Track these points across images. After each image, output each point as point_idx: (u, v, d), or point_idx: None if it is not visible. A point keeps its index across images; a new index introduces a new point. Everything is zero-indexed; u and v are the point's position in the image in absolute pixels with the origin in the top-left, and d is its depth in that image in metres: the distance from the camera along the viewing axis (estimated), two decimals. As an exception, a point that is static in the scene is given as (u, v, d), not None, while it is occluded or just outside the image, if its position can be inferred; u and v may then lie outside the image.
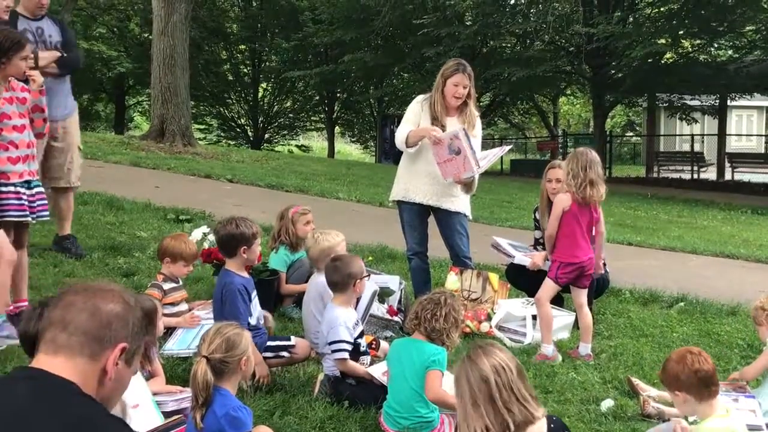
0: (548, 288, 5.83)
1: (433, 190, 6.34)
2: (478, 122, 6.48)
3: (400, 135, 6.34)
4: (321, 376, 4.78)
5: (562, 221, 5.73)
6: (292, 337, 5.12)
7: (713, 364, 3.86)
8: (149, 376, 4.27)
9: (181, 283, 5.75)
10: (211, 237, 6.51)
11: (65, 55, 7.00)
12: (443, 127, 6.22)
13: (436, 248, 6.80)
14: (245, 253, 4.87)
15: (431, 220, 6.59)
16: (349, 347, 4.72)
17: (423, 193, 6.36)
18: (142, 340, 2.34)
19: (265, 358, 4.89)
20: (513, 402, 3.07)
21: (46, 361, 2.18)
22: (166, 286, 5.57)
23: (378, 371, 4.64)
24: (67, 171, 7.22)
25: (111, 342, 2.23)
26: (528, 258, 6.61)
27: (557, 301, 6.61)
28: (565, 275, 5.77)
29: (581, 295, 5.87)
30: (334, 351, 4.71)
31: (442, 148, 6.03)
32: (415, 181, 6.39)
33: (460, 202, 6.41)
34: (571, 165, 5.66)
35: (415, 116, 6.39)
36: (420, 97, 6.52)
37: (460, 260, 6.53)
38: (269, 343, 4.94)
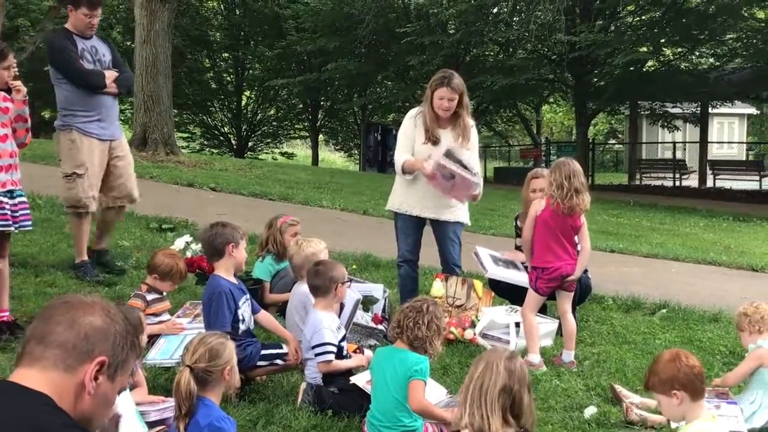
0: (531, 299, 5.84)
1: (430, 204, 6.38)
2: (474, 133, 6.46)
3: (397, 164, 6.38)
4: (304, 385, 4.77)
5: (536, 227, 5.76)
6: (289, 343, 5.08)
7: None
8: (132, 387, 4.25)
9: (165, 294, 5.72)
10: (194, 246, 6.49)
11: (120, 75, 6.98)
12: (437, 140, 6.24)
13: (426, 256, 6.81)
14: (233, 252, 4.84)
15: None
16: (334, 349, 4.72)
17: (420, 207, 6.41)
18: (127, 354, 2.26)
19: (258, 366, 4.87)
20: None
21: (20, 373, 2.14)
22: (150, 296, 5.55)
23: (362, 380, 4.63)
24: (131, 188, 7.22)
25: (89, 355, 2.16)
26: (506, 272, 6.58)
27: (540, 308, 6.63)
28: (544, 284, 5.77)
29: (566, 302, 5.88)
30: (318, 354, 4.69)
31: (438, 180, 6.05)
32: (411, 196, 6.43)
33: (458, 212, 6.44)
34: (554, 175, 5.68)
35: (408, 139, 6.40)
36: (413, 111, 6.51)
37: (449, 267, 6.56)
38: (263, 352, 4.91)
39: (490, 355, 3.53)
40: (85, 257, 7.01)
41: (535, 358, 5.67)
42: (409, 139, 6.39)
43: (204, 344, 3.57)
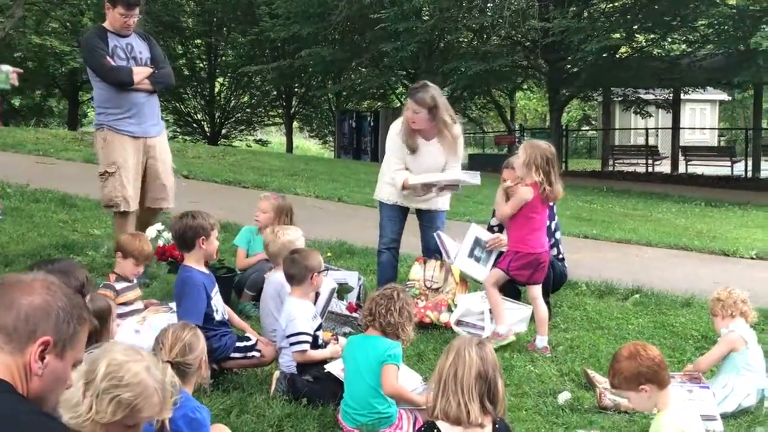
0: (495, 273, 5.87)
1: (412, 198, 6.47)
2: (459, 144, 6.43)
3: (396, 183, 6.38)
4: (277, 374, 4.75)
5: (521, 211, 5.72)
6: (259, 342, 5.04)
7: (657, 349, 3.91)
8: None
9: (135, 282, 5.65)
10: (166, 234, 6.43)
11: (156, 71, 6.90)
12: (415, 150, 6.28)
13: (405, 245, 6.82)
14: (204, 245, 4.80)
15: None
16: (309, 339, 4.71)
17: (408, 200, 6.49)
18: (74, 329, 2.20)
19: (232, 358, 4.85)
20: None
21: None
22: (119, 286, 5.45)
23: (336, 368, 4.62)
24: (169, 190, 7.10)
25: (31, 337, 2.12)
26: (470, 266, 6.52)
27: (514, 294, 6.65)
28: (518, 269, 5.76)
29: (535, 289, 5.91)
30: (293, 344, 4.68)
31: (430, 190, 6.17)
32: (398, 193, 6.47)
33: (439, 201, 6.49)
34: (539, 161, 5.63)
35: (399, 151, 6.40)
36: (397, 124, 6.48)
37: (430, 252, 6.59)
38: (238, 344, 4.89)
39: (459, 343, 3.51)
40: None
41: (501, 328, 5.71)
42: (400, 149, 6.39)
43: (180, 339, 3.55)
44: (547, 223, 6.13)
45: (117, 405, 2.39)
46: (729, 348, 4.97)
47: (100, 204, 7.13)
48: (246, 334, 5.08)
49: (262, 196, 6.79)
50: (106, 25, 6.88)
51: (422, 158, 6.29)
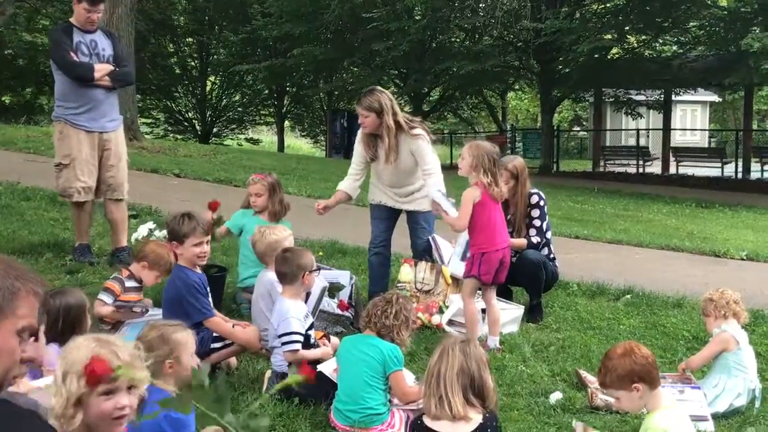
0: (470, 283, 5.71)
1: (399, 199, 6.48)
2: (403, 152, 6.24)
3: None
4: (269, 373, 4.74)
5: (475, 213, 5.57)
6: (236, 326, 5.05)
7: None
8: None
9: (141, 286, 5.62)
10: (158, 233, 6.42)
11: (118, 69, 7.05)
12: (374, 158, 6.34)
13: (396, 244, 6.82)
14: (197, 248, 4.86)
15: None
16: (301, 338, 4.70)
17: (393, 201, 6.49)
18: (2, 298, 2.04)
19: (214, 349, 4.85)
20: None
21: None
22: (128, 283, 5.44)
23: (328, 368, 4.61)
24: (120, 182, 7.23)
25: None
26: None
27: (506, 293, 6.65)
28: (487, 271, 5.62)
29: (493, 291, 5.80)
30: (285, 343, 4.67)
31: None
32: (385, 193, 6.51)
33: (423, 202, 6.41)
34: (483, 161, 5.54)
35: (358, 156, 6.54)
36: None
37: (418, 253, 6.58)
38: (215, 335, 4.89)
39: (445, 342, 3.69)
40: (84, 240, 7.16)
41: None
42: (356, 156, 6.53)
43: (155, 329, 3.57)
44: (543, 223, 6.11)
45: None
46: (721, 347, 4.98)
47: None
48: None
49: (250, 180, 6.77)
50: (72, 20, 7.03)
51: (386, 165, 6.28)
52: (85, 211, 7.09)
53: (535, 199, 6.61)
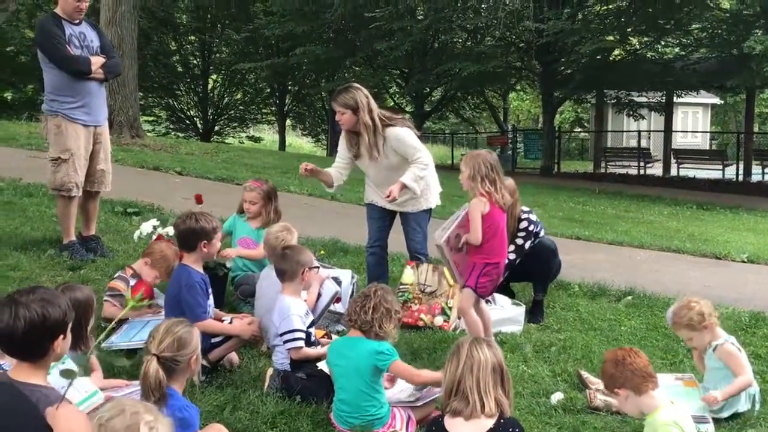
0: (467, 297, 5.52)
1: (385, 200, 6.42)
2: (385, 147, 6.21)
3: None
4: (270, 371, 4.75)
5: (483, 223, 5.39)
6: (234, 319, 5.09)
7: (646, 358, 3.97)
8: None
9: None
10: (161, 230, 6.42)
11: (108, 61, 7.06)
12: (358, 156, 6.33)
13: (396, 244, 6.83)
14: (205, 248, 4.85)
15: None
16: (303, 336, 4.70)
17: (382, 201, 6.44)
18: None
19: (215, 344, 4.86)
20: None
21: None
22: (133, 282, 5.49)
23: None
24: (108, 174, 7.31)
25: None
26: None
27: (507, 292, 6.67)
28: (485, 284, 5.48)
29: (470, 301, 5.58)
30: (287, 341, 4.67)
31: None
32: (374, 194, 6.53)
33: (418, 203, 6.41)
34: (484, 171, 5.42)
35: (342, 151, 6.53)
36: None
37: (414, 256, 6.58)
38: None
39: (466, 342, 3.65)
40: (73, 237, 7.16)
41: None
42: (341, 152, 6.53)
43: (171, 333, 3.54)
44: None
45: None
46: (745, 372, 4.79)
47: (48, 187, 7.26)
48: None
49: (245, 186, 6.80)
50: (57, 11, 6.98)
51: (371, 162, 6.29)
52: (75, 206, 7.13)
53: (524, 224, 6.64)
